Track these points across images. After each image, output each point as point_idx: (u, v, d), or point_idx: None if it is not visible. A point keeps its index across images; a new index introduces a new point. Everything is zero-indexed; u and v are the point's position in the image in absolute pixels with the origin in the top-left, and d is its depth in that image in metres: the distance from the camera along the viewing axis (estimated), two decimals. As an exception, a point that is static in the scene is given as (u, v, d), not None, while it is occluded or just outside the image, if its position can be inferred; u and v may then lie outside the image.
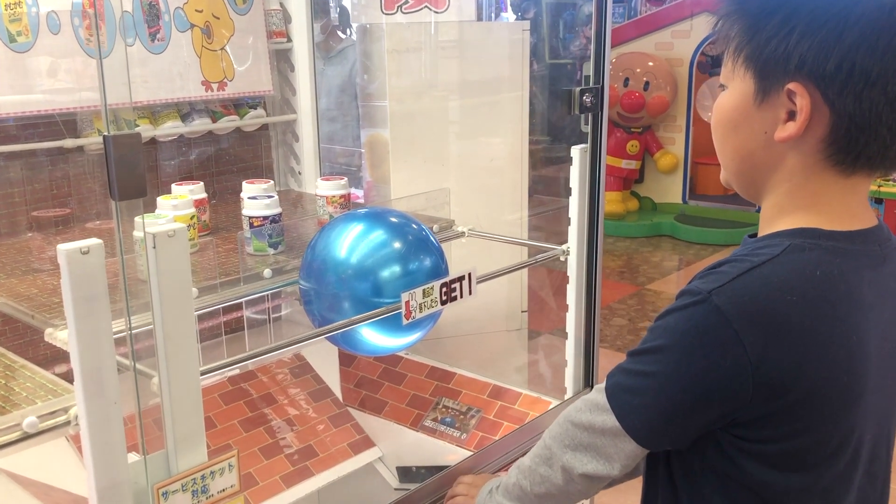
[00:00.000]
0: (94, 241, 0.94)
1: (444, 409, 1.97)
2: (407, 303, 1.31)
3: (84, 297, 0.94)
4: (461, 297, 1.41)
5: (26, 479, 1.41)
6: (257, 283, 1.52)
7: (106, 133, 0.91)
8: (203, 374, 1.08)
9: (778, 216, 0.93)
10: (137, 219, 1.50)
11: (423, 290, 1.34)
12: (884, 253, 0.93)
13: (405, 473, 2.01)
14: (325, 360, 2.07)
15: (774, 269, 0.87)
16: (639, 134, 6.64)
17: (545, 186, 5.26)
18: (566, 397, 1.81)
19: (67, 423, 1.00)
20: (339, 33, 3.80)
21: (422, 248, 1.48)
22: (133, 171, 0.93)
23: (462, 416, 1.94)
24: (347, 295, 1.42)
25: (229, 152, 2.17)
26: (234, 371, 1.98)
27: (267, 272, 1.54)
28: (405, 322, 1.32)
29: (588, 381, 1.81)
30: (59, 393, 1.12)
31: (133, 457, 1.06)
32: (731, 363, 0.85)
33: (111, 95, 1.92)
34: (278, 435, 1.93)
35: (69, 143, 1.81)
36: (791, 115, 0.87)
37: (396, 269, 1.43)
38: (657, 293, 5.22)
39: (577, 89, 1.59)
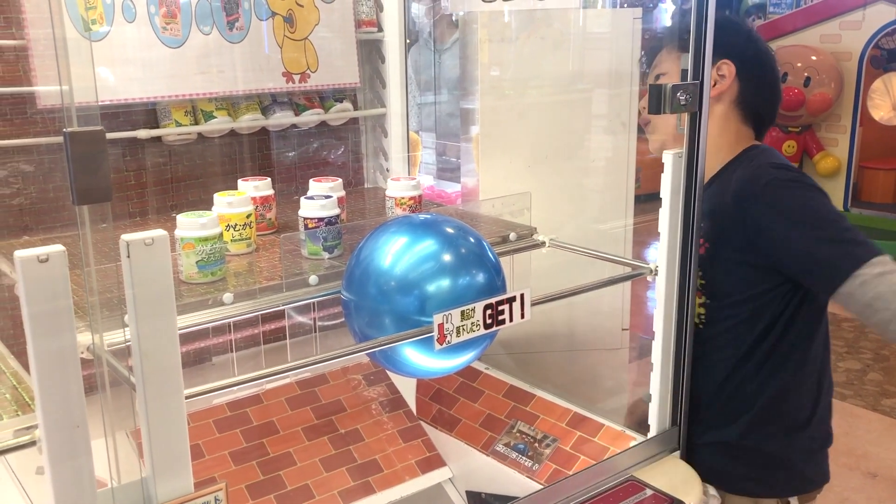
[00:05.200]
0: (54, 249, 0.84)
1: (518, 434, 1.80)
2: (441, 325, 1.16)
3: (43, 309, 0.85)
4: (510, 320, 1.24)
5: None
6: (301, 290, 1.41)
7: (66, 129, 0.82)
8: (188, 398, 0.97)
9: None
10: (180, 217, 1.44)
11: (463, 311, 1.18)
12: None
13: (476, 500, 1.86)
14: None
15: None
16: (797, 134, 6.12)
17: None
18: (650, 435, 1.60)
19: (33, 443, 0.91)
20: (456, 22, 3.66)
21: (475, 263, 1.32)
22: (96, 173, 0.83)
23: (536, 444, 1.76)
24: (388, 310, 1.29)
25: (314, 147, 2.08)
26: (305, 374, 1.90)
27: (313, 279, 1.42)
28: (438, 347, 1.16)
29: (675, 419, 1.58)
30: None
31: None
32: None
33: (187, 86, 1.88)
34: (342, 446, 1.83)
35: (143, 133, 1.77)
36: None
37: (443, 284, 1.28)
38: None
39: (669, 85, 1.37)
